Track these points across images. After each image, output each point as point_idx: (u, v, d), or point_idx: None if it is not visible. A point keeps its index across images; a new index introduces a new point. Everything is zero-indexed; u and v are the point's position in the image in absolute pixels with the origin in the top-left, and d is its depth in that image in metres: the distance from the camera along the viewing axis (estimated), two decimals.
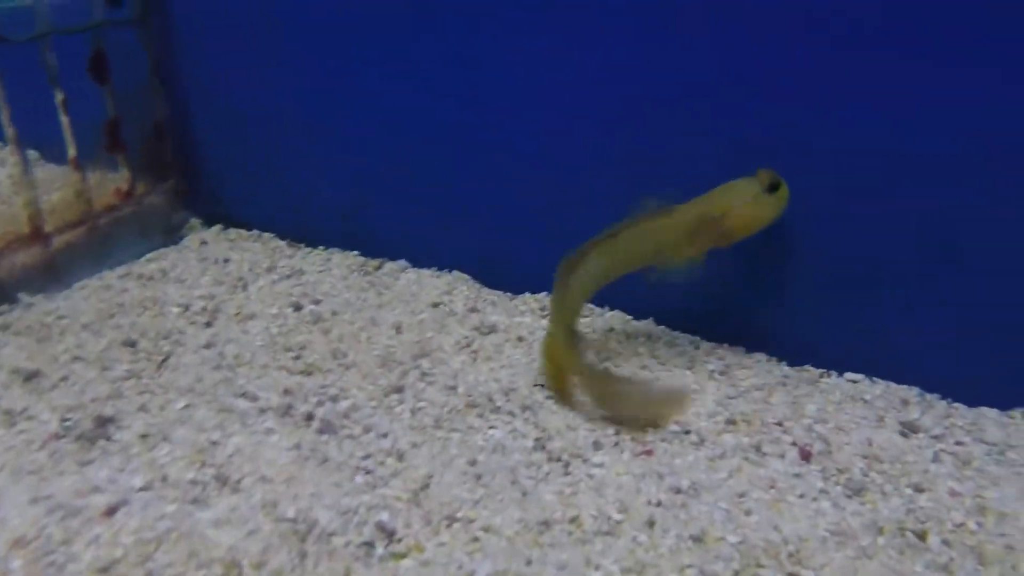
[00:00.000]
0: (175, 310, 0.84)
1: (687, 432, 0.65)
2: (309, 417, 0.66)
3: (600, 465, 0.62)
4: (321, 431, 0.65)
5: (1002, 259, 0.67)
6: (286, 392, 0.70)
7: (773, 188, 0.69)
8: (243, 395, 0.69)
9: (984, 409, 0.69)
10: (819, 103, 0.69)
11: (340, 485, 0.59)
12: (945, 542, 0.55)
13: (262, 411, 0.67)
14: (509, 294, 0.87)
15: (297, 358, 0.75)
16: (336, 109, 0.94)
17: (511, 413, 0.67)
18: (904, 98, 0.66)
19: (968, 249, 0.68)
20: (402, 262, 0.94)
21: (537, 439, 0.64)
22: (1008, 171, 0.65)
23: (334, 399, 0.69)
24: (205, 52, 1.00)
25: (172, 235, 1.03)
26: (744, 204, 0.69)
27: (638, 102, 0.77)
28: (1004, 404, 0.69)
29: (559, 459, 0.63)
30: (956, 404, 0.70)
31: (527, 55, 0.80)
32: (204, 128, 1.04)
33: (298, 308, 0.84)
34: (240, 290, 0.88)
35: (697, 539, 0.55)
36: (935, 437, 0.66)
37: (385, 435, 0.65)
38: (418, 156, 0.90)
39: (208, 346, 0.77)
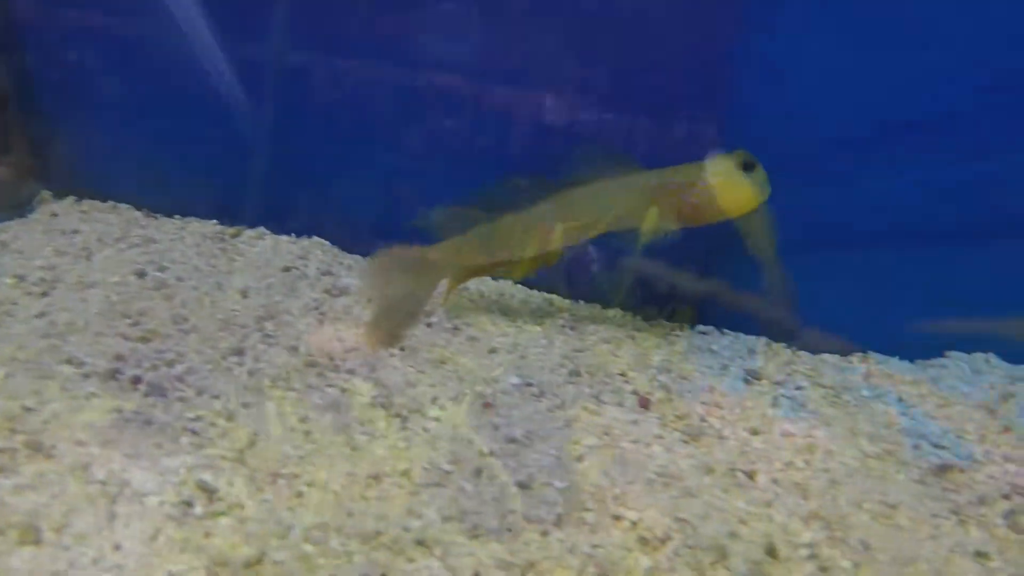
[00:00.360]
0: (8, 281, 0.79)
1: (529, 384, 0.65)
2: (136, 381, 0.63)
3: (437, 419, 0.61)
4: (148, 394, 0.62)
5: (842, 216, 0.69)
6: (117, 358, 0.66)
7: (747, 168, 0.64)
8: (68, 362, 0.65)
9: (825, 356, 0.71)
10: None
11: (161, 446, 0.57)
12: (774, 480, 0.56)
13: (86, 376, 0.64)
14: (368, 258, 0.85)
15: (135, 324, 0.72)
16: (192, 75, 0.90)
17: (351, 371, 0.66)
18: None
19: (816, 207, 0.69)
20: (261, 229, 0.91)
21: (375, 396, 0.63)
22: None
23: (169, 363, 0.66)
24: (50, 17, 0.95)
25: (20, 208, 0.98)
26: (713, 177, 0.64)
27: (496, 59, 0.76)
28: (843, 350, 0.71)
29: (398, 415, 0.61)
30: (800, 352, 0.72)
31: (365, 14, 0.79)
32: (53, 98, 0.98)
33: (142, 275, 0.80)
34: (84, 260, 0.84)
35: (524, 486, 0.54)
36: (777, 383, 0.67)
37: (217, 396, 0.62)
38: (273, 120, 0.87)
39: (40, 315, 0.73)
